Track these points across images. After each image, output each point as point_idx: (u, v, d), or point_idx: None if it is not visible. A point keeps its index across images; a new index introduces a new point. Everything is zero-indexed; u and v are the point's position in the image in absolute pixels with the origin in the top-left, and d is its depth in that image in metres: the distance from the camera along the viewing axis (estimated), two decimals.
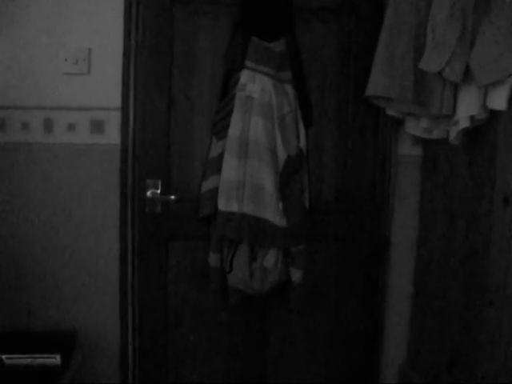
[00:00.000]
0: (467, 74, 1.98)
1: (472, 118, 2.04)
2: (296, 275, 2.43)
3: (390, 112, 2.39)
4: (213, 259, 2.43)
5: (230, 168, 2.32)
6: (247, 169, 2.33)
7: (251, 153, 2.32)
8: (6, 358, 2.13)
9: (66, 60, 2.41)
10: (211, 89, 2.49)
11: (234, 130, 2.33)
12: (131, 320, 2.53)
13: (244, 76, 2.34)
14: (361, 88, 2.29)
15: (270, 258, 2.37)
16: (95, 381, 2.50)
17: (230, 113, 2.35)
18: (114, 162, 2.45)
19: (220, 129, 2.38)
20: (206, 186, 2.40)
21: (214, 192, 2.36)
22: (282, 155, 2.35)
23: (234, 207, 2.32)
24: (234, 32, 2.39)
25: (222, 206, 2.33)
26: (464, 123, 2.05)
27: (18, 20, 2.37)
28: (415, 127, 2.35)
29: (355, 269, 2.60)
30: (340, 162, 2.57)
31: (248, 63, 2.33)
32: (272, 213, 2.32)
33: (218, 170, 2.36)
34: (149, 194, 2.50)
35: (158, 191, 2.50)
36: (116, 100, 2.43)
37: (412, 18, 2.14)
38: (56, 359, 2.15)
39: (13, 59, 2.39)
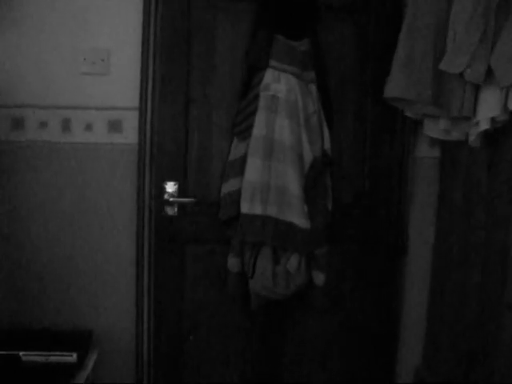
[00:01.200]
0: (488, 75, 1.97)
1: (492, 119, 2.03)
2: (319, 278, 2.40)
3: (409, 114, 2.38)
4: (233, 264, 2.40)
5: (255, 169, 2.28)
6: (272, 170, 2.29)
7: (276, 154, 2.28)
8: (23, 354, 2.13)
9: (84, 60, 2.42)
10: (231, 88, 2.44)
11: (259, 130, 2.29)
12: (147, 321, 2.52)
13: (268, 75, 2.30)
14: (379, 89, 2.28)
15: (294, 262, 2.34)
16: (110, 380, 2.50)
17: (253, 113, 2.32)
18: (131, 162, 2.45)
19: (242, 129, 2.35)
20: (227, 188, 2.37)
21: (236, 194, 2.32)
22: (307, 157, 2.31)
23: (258, 210, 2.28)
24: (255, 30, 2.36)
25: (246, 208, 2.29)
26: (484, 125, 2.04)
27: (38, 21, 2.38)
28: (434, 129, 2.34)
29: (372, 271, 2.58)
30: (358, 164, 2.55)
31: (273, 62, 2.30)
32: (297, 215, 2.27)
33: (241, 172, 2.32)
34: (166, 196, 2.45)
35: (176, 193, 2.46)
36: (134, 100, 2.43)
37: (432, 18, 2.14)
38: (72, 357, 2.15)
39: (32, 59, 2.40)
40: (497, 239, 2.11)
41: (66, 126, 2.43)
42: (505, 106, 1.97)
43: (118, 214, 2.48)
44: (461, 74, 2.02)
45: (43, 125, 2.42)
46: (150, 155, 2.45)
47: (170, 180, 2.45)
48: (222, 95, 2.47)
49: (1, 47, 2.38)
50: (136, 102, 2.43)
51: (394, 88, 2.20)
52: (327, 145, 2.39)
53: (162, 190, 2.45)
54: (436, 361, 2.55)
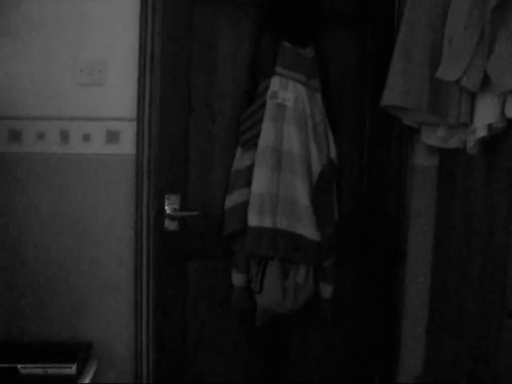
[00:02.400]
0: (485, 82, 1.97)
1: (490, 126, 2.03)
2: (327, 290, 2.36)
3: (407, 122, 2.38)
4: (238, 279, 2.34)
5: (263, 180, 2.22)
6: (281, 181, 2.23)
7: (284, 164, 2.23)
8: (21, 367, 2.10)
9: (81, 71, 2.41)
10: (233, 96, 2.39)
11: (266, 139, 2.23)
12: (145, 333, 2.50)
13: (275, 83, 2.24)
14: (377, 97, 2.29)
15: (302, 274, 2.30)
16: None
17: (258, 122, 2.26)
18: (129, 173, 2.44)
19: (248, 139, 2.28)
20: (232, 200, 2.30)
21: (242, 207, 2.26)
22: (316, 166, 2.27)
23: (267, 222, 2.22)
24: (259, 36, 2.31)
25: (254, 221, 2.22)
26: (481, 132, 2.05)
27: (35, 32, 2.38)
28: (431, 137, 2.34)
29: (372, 280, 2.58)
30: (357, 173, 2.54)
31: (279, 69, 2.24)
32: (307, 227, 2.23)
33: (246, 184, 2.26)
34: (168, 209, 2.36)
35: (177, 207, 2.36)
36: (131, 111, 2.43)
37: (428, 27, 2.15)
38: (71, 369, 2.12)
39: (29, 70, 2.39)
40: (496, 246, 2.10)
41: (63, 137, 2.42)
42: (502, 112, 1.97)
43: (116, 226, 2.47)
44: (457, 82, 2.03)
45: (41, 136, 2.41)
46: (148, 166, 2.45)
47: (171, 193, 2.38)
48: (224, 104, 2.40)
49: None
50: (134, 113, 2.43)
51: (391, 96, 2.21)
52: (333, 153, 2.35)
53: (163, 204, 2.37)
54: (437, 370, 2.54)
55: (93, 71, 2.42)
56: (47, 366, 2.13)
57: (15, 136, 2.40)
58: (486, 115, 2.02)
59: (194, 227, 2.40)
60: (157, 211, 2.39)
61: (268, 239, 2.22)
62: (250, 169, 2.27)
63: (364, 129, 2.53)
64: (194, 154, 2.40)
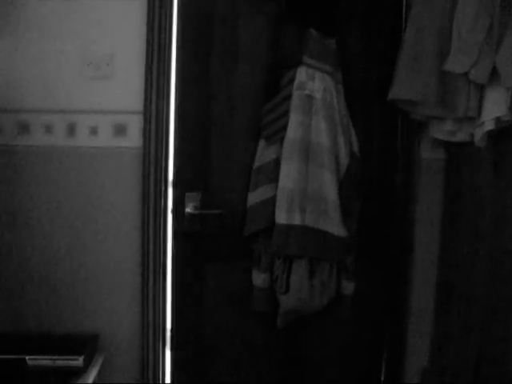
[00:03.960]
0: (493, 75, 1.97)
1: (498, 119, 2.03)
2: (349, 287, 2.31)
3: (414, 115, 2.37)
4: (260, 279, 2.26)
5: (291, 175, 2.13)
6: (309, 176, 2.15)
7: (313, 158, 2.15)
8: (29, 358, 2.11)
9: (89, 64, 2.42)
10: (253, 87, 2.29)
11: (294, 132, 2.15)
12: (152, 325, 2.50)
13: (302, 73, 2.16)
14: (384, 91, 2.28)
15: (327, 272, 2.24)
16: (117, 382, 2.49)
17: (284, 114, 2.18)
18: (135, 165, 2.44)
19: (273, 132, 2.19)
20: (255, 197, 2.21)
21: (268, 204, 2.17)
22: (344, 160, 2.21)
23: (296, 219, 2.14)
24: (282, 23, 2.22)
25: (282, 218, 2.15)
26: (489, 125, 2.04)
27: (43, 26, 2.39)
28: (439, 130, 2.33)
29: (378, 274, 2.57)
30: (366, 167, 2.47)
31: (306, 59, 2.16)
32: (334, 224, 2.17)
33: (272, 179, 2.18)
34: (189, 209, 2.26)
35: (198, 205, 2.25)
36: (139, 103, 2.42)
37: (436, 19, 2.14)
38: (78, 361, 2.13)
39: (37, 64, 2.40)
40: (504, 239, 2.10)
41: (70, 130, 2.43)
42: (510, 106, 1.97)
43: (123, 218, 2.47)
44: (465, 74, 2.02)
45: (48, 129, 2.42)
46: (155, 159, 2.45)
47: (191, 190, 2.29)
48: (244, 95, 2.31)
49: (6, 52, 2.39)
50: (141, 106, 2.43)
51: (398, 90, 2.21)
52: (356, 147, 2.30)
53: (183, 202, 2.28)
54: (444, 364, 2.53)
55: (100, 64, 2.42)
56: (55, 357, 2.14)
57: (23, 129, 2.41)
58: (494, 108, 2.01)
59: (213, 226, 2.32)
60: (178, 211, 2.31)
61: (297, 237, 2.15)
62: (276, 163, 2.19)
63: (373, 123, 2.51)
64: (213, 149, 2.32)
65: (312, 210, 2.16)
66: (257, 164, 2.23)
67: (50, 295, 2.45)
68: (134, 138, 2.44)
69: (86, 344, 2.27)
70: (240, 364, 2.47)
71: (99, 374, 2.28)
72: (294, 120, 2.16)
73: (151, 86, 2.42)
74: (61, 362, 2.14)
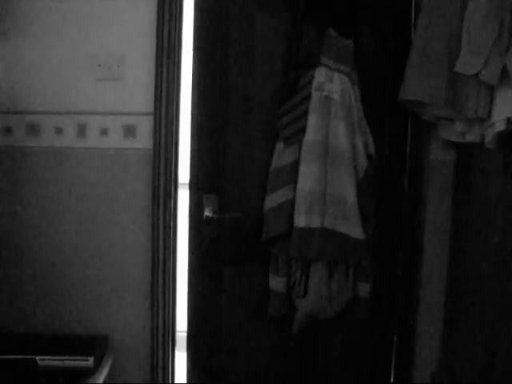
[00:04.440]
0: (504, 76, 1.96)
1: (508, 120, 2.02)
2: (365, 289, 2.28)
3: (424, 116, 2.37)
4: (278, 284, 2.23)
5: (310, 178, 2.11)
6: (328, 178, 2.13)
7: (331, 160, 2.13)
8: (40, 359, 2.12)
9: (99, 66, 2.43)
10: (270, 88, 2.27)
11: (314, 134, 2.12)
12: (162, 326, 2.51)
13: (320, 74, 2.14)
14: (394, 92, 2.27)
15: (344, 275, 2.22)
16: (126, 383, 2.50)
17: (303, 115, 2.15)
18: (146, 167, 2.45)
19: (291, 133, 2.17)
20: (273, 200, 2.18)
21: (286, 206, 2.14)
22: (362, 162, 2.19)
23: (316, 222, 2.12)
24: (300, 23, 2.18)
25: (302, 221, 2.13)
26: (500, 126, 2.03)
27: (52, 28, 2.41)
28: (449, 131, 2.32)
29: (387, 276, 2.56)
30: (378, 168, 2.46)
31: (325, 60, 2.14)
32: (353, 226, 2.14)
33: (290, 181, 2.15)
34: (207, 213, 2.21)
35: (216, 209, 2.21)
36: (149, 105, 2.43)
37: (446, 20, 2.13)
38: (89, 361, 2.14)
39: (47, 65, 2.42)
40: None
41: (81, 131, 2.45)
42: None
43: (133, 220, 2.48)
44: (476, 75, 2.02)
45: (59, 130, 2.44)
46: (165, 160, 2.45)
47: (209, 193, 2.26)
48: (260, 96, 2.29)
49: (16, 54, 2.41)
50: (151, 107, 2.44)
51: (408, 91, 2.20)
52: (372, 149, 2.28)
53: (201, 205, 2.24)
54: (453, 366, 2.52)
55: (110, 66, 2.43)
56: (65, 358, 2.15)
57: (33, 130, 2.43)
58: (504, 109, 2.00)
59: (229, 230, 2.30)
60: (196, 216, 2.28)
61: (317, 240, 2.13)
62: (294, 165, 2.16)
63: (382, 124, 2.49)
64: (229, 151, 2.28)
65: (331, 213, 2.14)
66: (274, 166, 2.20)
67: (60, 296, 2.46)
68: (143, 140, 2.45)
69: (96, 345, 2.28)
70: (255, 366, 2.47)
71: (109, 374, 2.29)
72: (313, 122, 2.14)
73: (161, 87, 2.43)
74: (71, 362, 2.15)
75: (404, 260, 2.59)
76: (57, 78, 2.43)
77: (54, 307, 2.46)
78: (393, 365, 2.64)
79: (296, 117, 2.18)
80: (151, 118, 2.44)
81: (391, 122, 2.50)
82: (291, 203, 2.16)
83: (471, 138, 2.26)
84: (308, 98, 2.16)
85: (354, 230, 2.16)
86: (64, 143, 2.45)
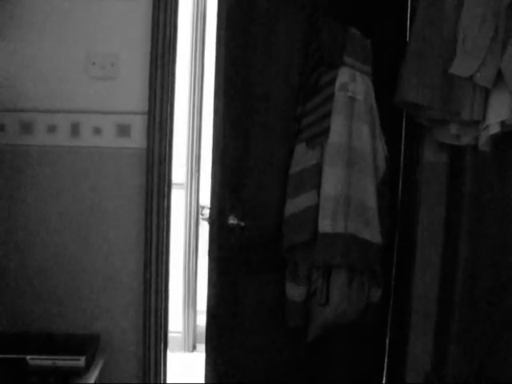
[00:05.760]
0: (498, 79, 1.97)
1: (502, 123, 2.03)
2: (377, 294, 2.24)
3: (419, 119, 2.37)
4: (298, 292, 2.16)
5: (335, 182, 2.04)
6: (352, 182, 2.06)
7: (355, 164, 2.07)
8: (30, 358, 2.10)
9: (93, 64, 2.42)
10: (287, 87, 2.19)
11: (338, 136, 2.06)
12: (154, 326, 2.49)
13: (344, 74, 2.08)
14: (387, 94, 2.27)
15: (361, 280, 2.18)
16: (118, 382, 2.48)
17: (326, 116, 2.08)
18: (139, 166, 2.44)
19: (314, 135, 2.09)
20: (295, 205, 2.10)
21: (310, 212, 2.06)
22: (382, 165, 2.15)
23: (340, 227, 2.06)
24: (321, 22, 2.12)
25: (327, 227, 2.05)
26: (494, 129, 2.04)
27: (47, 26, 2.39)
28: (443, 133, 2.33)
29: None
30: None
31: (348, 59, 2.08)
32: (373, 231, 2.10)
33: (313, 185, 2.07)
34: (231, 220, 2.10)
35: (239, 215, 2.10)
36: (143, 104, 2.42)
37: (441, 23, 2.14)
38: (80, 361, 2.12)
39: (41, 63, 2.40)
40: (508, 242, 2.10)
41: (74, 130, 2.43)
42: None
43: (126, 219, 2.47)
44: (471, 78, 2.02)
45: (52, 129, 2.42)
46: (159, 159, 2.44)
47: (233, 200, 2.15)
48: (279, 95, 2.20)
49: (10, 51, 2.39)
50: (145, 106, 2.42)
51: (404, 93, 2.21)
52: (386, 151, 2.25)
53: (226, 213, 2.11)
54: (446, 368, 2.53)
55: (105, 64, 2.42)
56: (56, 357, 2.13)
57: (26, 128, 2.41)
58: (499, 112, 2.01)
59: (247, 237, 2.19)
60: (216, 220, 2.18)
61: (342, 246, 2.06)
62: (317, 168, 2.09)
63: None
64: (251, 154, 2.17)
65: (354, 218, 2.08)
66: (295, 169, 2.12)
67: (51, 295, 2.44)
68: (137, 139, 2.44)
69: (88, 344, 2.26)
70: (267, 371, 2.42)
71: (100, 374, 2.26)
72: (337, 123, 2.07)
73: (156, 86, 2.42)
74: (62, 362, 2.13)
75: (397, 262, 2.59)
76: (50, 76, 2.41)
77: (45, 306, 2.44)
78: (385, 365, 2.64)
79: (318, 117, 2.10)
80: (145, 117, 2.42)
81: (385, 125, 2.50)
82: (315, 208, 2.08)
83: (465, 140, 2.27)
84: (330, 98, 2.09)
85: (375, 234, 2.12)
86: (57, 142, 2.43)
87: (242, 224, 2.10)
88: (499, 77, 1.96)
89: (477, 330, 2.28)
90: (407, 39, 2.35)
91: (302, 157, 2.11)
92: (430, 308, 2.61)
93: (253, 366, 2.40)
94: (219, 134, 2.18)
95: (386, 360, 2.65)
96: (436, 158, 2.56)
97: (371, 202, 2.09)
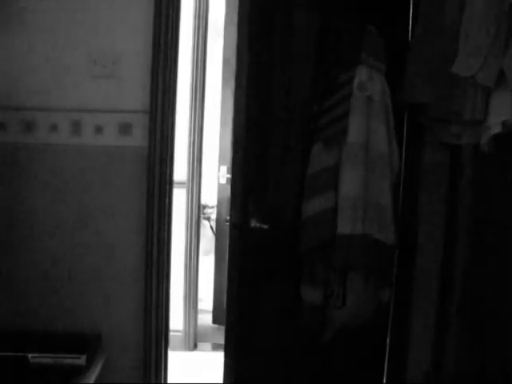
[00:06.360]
0: (500, 79, 1.96)
1: (504, 123, 2.02)
2: (387, 294, 2.22)
3: (420, 118, 2.36)
4: (315, 296, 2.13)
5: (355, 183, 2.02)
6: (369, 183, 2.04)
7: (373, 164, 2.04)
8: (32, 356, 2.11)
9: (95, 63, 2.42)
10: (304, 85, 2.15)
11: (357, 136, 2.03)
12: (155, 326, 2.49)
13: (362, 73, 2.05)
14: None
15: (372, 282, 2.15)
16: (119, 382, 2.49)
17: (344, 115, 2.04)
18: (140, 165, 2.44)
19: (333, 134, 2.06)
20: (314, 206, 2.07)
21: (329, 213, 2.03)
22: (395, 166, 2.13)
23: (358, 229, 2.03)
24: (339, 19, 2.09)
25: (347, 228, 2.03)
26: (496, 129, 2.03)
27: (49, 24, 2.39)
28: (444, 133, 2.32)
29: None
30: None
31: (366, 57, 2.04)
32: (388, 232, 2.08)
33: (331, 186, 2.04)
34: (254, 223, 2.05)
35: (260, 217, 2.06)
36: (145, 103, 2.42)
37: (443, 23, 2.14)
38: (81, 359, 2.12)
39: (43, 62, 2.40)
40: (509, 241, 2.09)
41: (76, 128, 2.43)
42: None
43: (126, 217, 2.47)
44: (473, 77, 2.02)
45: (53, 127, 2.42)
46: (160, 158, 2.44)
47: (255, 203, 2.09)
48: (295, 93, 2.16)
49: (12, 50, 2.39)
50: (147, 105, 2.42)
51: (408, 92, 2.19)
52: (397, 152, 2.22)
53: (246, 215, 2.06)
54: (446, 368, 2.52)
55: (106, 63, 2.42)
56: (57, 356, 2.14)
57: (28, 127, 2.41)
58: (500, 112, 2.01)
59: (263, 239, 2.15)
60: (242, 226, 2.13)
61: (360, 248, 2.04)
62: (335, 168, 2.06)
63: None
64: (268, 154, 2.15)
65: (371, 219, 2.06)
66: (313, 170, 2.10)
67: (53, 294, 2.44)
68: (138, 137, 2.44)
69: (89, 343, 2.27)
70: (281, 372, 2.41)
71: (101, 373, 2.27)
72: (356, 123, 2.04)
73: (157, 85, 2.42)
74: (63, 360, 2.14)
75: (398, 262, 2.58)
76: (52, 75, 2.41)
77: (47, 305, 2.44)
78: (386, 366, 2.64)
79: (337, 117, 2.06)
80: (146, 115, 2.42)
81: None
82: (334, 209, 2.05)
83: (467, 140, 2.26)
84: (348, 97, 2.05)
85: (390, 235, 2.10)
86: (59, 140, 2.43)
87: (265, 227, 2.07)
88: (501, 77, 1.95)
89: (478, 328, 2.28)
90: (409, 38, 2.35)
91: (319, 157, 2.08)
92: (431, 306, 2.61)
93: (268, 368, 2.39)
94: (240, 135, 2.14)
95: (386, 360, 2.64)
96: (437, 158, 2.55)
97: (387, 202, 2.07)
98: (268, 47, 2.11)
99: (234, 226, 2.13)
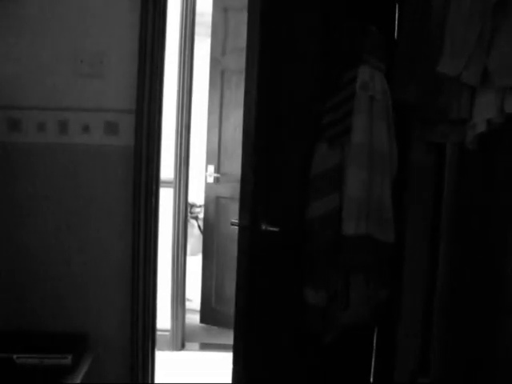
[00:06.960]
0: (485, 78, 1.98)
1: (489, 121, 2.03)
2: (385, 293, 2.21)
3: (410, 118, 2.37)
4: (319, 297, 2.09)
5: (359, 183, 2.00)
6: (372, 183, 2.03)
7: (375, 164, 2.04)
8: (17, 357, 2.09)
9: (81, 62, 2.41)
10: (307, 85, 2.13)
11: (361, 136, 2.02)
12: (141, 326, 2.49)
13: (364, 73, 2.04)
14: None
15: (373, 282, 2.15)
16: (105, 382, 2.48)
17: (347, 115, 2.04)
18: (127, 164, 2.43)
19: (337, 133, 2.05)
20: (319, 208, 2.05)
21: (334, 214, 2.02)
22: (395, 166, 2.14)
23: (362, 229, 2.02)
24: (340, 18, 2.07)
25: (351, 229, 2.02)
26: (481, 127, 2.05)
27: (36, 23, 2.38)
28: (431, 132, 2.33)
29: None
30: None
31: (368, 57, 2.05)
32: (388, 231, 2.09)
33: (336, 186, 2.03)
34: (264, 226, 1.98)
35: (267, 222, 1.99)
36: (131, 102, 2.41)
37: (428, 22, 2.15)
38: (67, 359, 2.11)
39: (30, 61, 2.39)
40: (495, 240, 2.11)
41: (62, 127, 2.42)
42: (501, 108, 1.98)
43: (114, 216, 2.46)
44: (458, 77, 2.03)
45: (40, 126, 2.41)
46: (147, 157, 2.43)
47: (265, 205, 2.03)
48: (298, 91, 2.13)
49: None
50: (133, 104, 2.41)
51: (399, 91, 2.20)
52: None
53: (256, 218, 1.99)
54: (433, 369, 2.54)
55: (93, 62, 2.41)
56: (43, 356, 2.13)
57: (15, 125, 2.40)
58: (485, 110, 2.02)
59: (272, 242, 2.08)
60: (252, 230, 2.05)
61: (365, 248, 2.04)
62: (339, 168, 2.05)
63: None
64: (275, 156, 2.09)
65: (373, 219, 2.06)
66: (317, 170, 2.08)
67: (38, 293, 2.43)
68: (125, 137, 2.44)
69: (75, 343, 2.26)
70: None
71: (88, 373, 2.26)
72: (360, 123, 2.04)
73: (144, 84, 2.42)
74: (49, 360, 2.13)
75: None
76: (38, 74, 2.40)
77: (33, 304, 2.43)
78: (373, 364, 2.65)
79: (340, 116, 2.06)
80: (133, 115, 2.42)
81: None
82: (338, 210, 2.04)
83: (453, 138, 2.27)
84: (351, 97, 2.05)
85: (390, 235, 2.10)
86: (46, 139, 2.42)
87: (276, 229, 2.03)
88: (485, 76, 1.97)
89: (466, 330, 2.30)
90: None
91: (324, 157, 2.07)
92: (418, 307, 2.63)
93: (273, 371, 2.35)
94: (251, 134, 2.08)
95: (373, 359, 2.65)
96: (424, 157, 2.57)
97: (388, 202, 2.08)
98: (275, 51, 2.08)
99: (243, 228, 2.08)
